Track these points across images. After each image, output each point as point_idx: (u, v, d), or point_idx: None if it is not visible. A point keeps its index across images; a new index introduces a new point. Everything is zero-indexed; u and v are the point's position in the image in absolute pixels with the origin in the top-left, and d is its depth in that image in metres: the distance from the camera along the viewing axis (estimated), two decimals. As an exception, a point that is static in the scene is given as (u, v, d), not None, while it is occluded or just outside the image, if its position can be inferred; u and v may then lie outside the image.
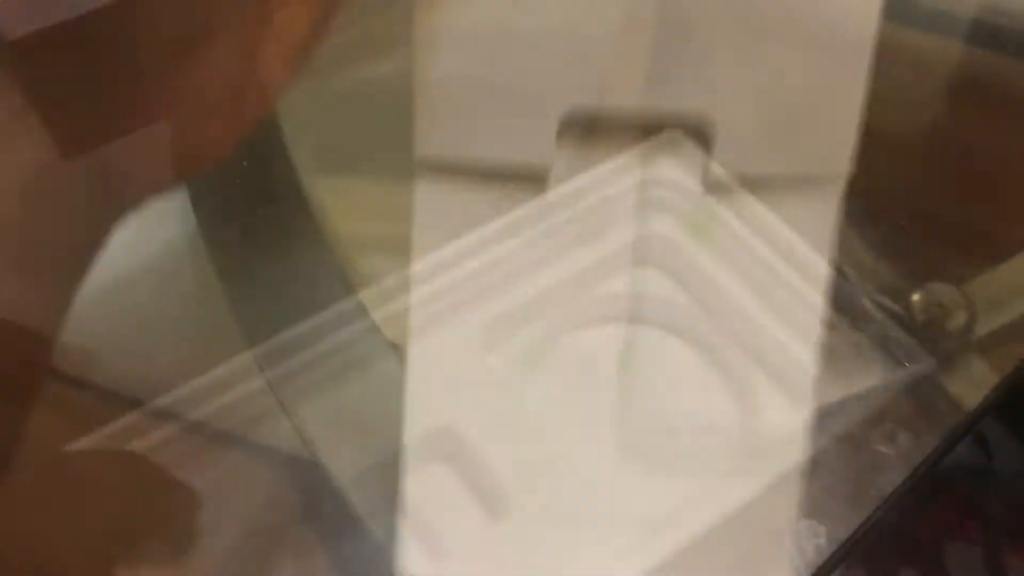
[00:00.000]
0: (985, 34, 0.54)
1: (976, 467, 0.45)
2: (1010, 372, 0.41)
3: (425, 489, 0.36)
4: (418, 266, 0.41)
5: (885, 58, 0.52)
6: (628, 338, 0.41)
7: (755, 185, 0.44)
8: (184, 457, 0.40)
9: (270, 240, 0.44)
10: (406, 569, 0.35)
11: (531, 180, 0.45)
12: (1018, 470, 0.46)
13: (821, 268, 0.42)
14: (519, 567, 0.35)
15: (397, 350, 0.41)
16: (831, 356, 0.41)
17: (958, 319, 0.43)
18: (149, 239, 0.45)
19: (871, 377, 0.41)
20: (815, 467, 0.38)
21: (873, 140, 0.48)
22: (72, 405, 0.41)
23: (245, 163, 0.46)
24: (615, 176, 0.44)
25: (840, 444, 0.39)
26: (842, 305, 0.43)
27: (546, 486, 0.36)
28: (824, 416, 0.40)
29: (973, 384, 0.41)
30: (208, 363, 0.42)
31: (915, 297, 0.43)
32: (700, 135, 0.45)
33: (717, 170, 0.45)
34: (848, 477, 0.38)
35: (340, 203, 0.46)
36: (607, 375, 0.39)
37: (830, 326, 0.43)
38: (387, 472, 0.38)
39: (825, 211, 0.44)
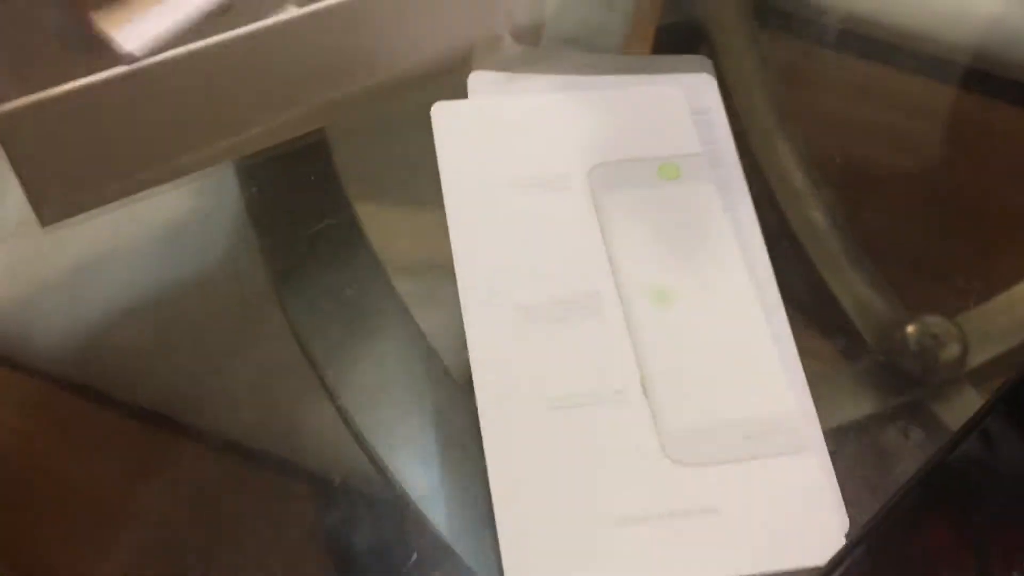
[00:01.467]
0: (976, 79, 0.55)
1: (981, 460, 0.45)
2: (1015, 374, 0.41)
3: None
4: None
5: (879, 100, 0.53)
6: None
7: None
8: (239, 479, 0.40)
9: (324, 254, 0.45)
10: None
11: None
12: (1020, 464, 0.47)
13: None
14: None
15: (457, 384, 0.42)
16: (826, 386, 0.41)
17: (951, 351, 0.42)
18: (205, 250, 0.46)
19: (866, 407, 0.41)
20: (834, 457, 0.38)
21: (868, 177, 0.49)
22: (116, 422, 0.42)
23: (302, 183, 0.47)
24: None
25: (857, 436, 0.40)
26: (837, 337, 0.43)
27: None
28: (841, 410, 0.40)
29: (966, 414, 0.40)
30: (265, 379, 0.42)
31: (909, 329, 0.43)
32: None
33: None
34: (866, 466, 0.39)
35: (385, 225, 0.47)
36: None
37: (826, 357, 0.43)
38: (458, 491, 0.39)
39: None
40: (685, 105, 0.47)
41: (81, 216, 0.44)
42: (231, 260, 0.45)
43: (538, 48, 0.50)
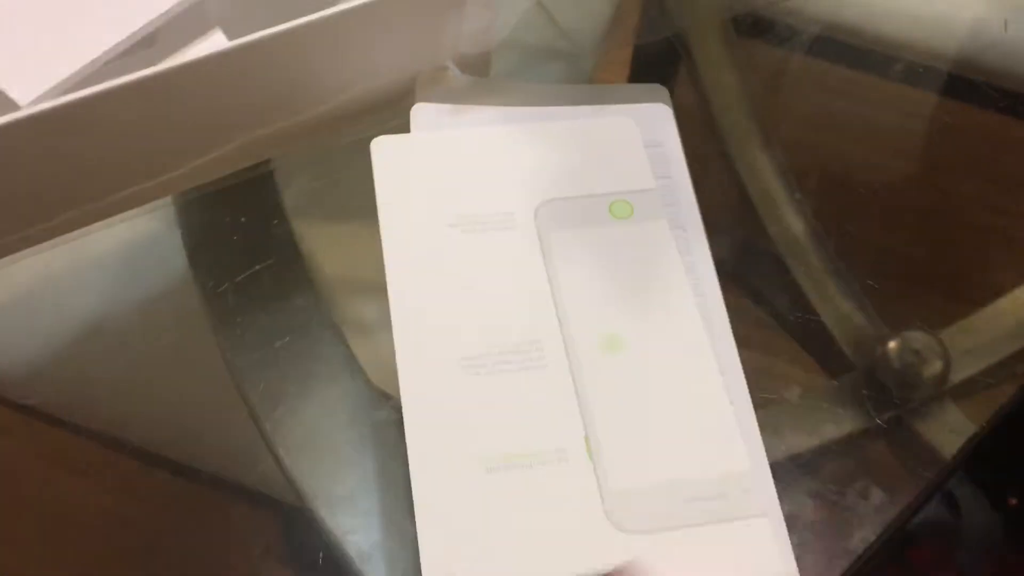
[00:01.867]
0: (962, 89, 0.54)
1: (945, 524, 0.45)
2: (976, 431, 0.40)
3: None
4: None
5: (860, 110, 0.53)
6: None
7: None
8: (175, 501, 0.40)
9: (264, 292, 0.44)
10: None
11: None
12: (986, 526, 0.46)
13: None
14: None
15: (389, 400, 0.41)
16: (808, 403, 0.41)
17: (934, 366, 0.42)
18: (141, 284, 0.45)
19: (847, 425, 0.40)
20: (792, 522, 0.37)
21: (849, 191, 0.49)
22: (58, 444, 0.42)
23: (243, 219, 0.46)
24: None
25: (816, 500, 0.38)
26: (819, 353, 0.43)
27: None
28: (800, 470, 0.39)
29: (948, 431, 0.40)
30: (199, 408, 0.43)
31: (891, 345, 0.43)
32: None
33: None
34: (824, 532, 0.38)
35: (330, 250, 0.46)
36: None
37: (807, 372, 0.43)
38: (379, 523, 0.39)
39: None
40: (638, 137, 0.45)
41: (8, 258, 0.43)
42: (169, 298, 0.45)
43: (486, 79, 0.49)
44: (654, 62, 0.55)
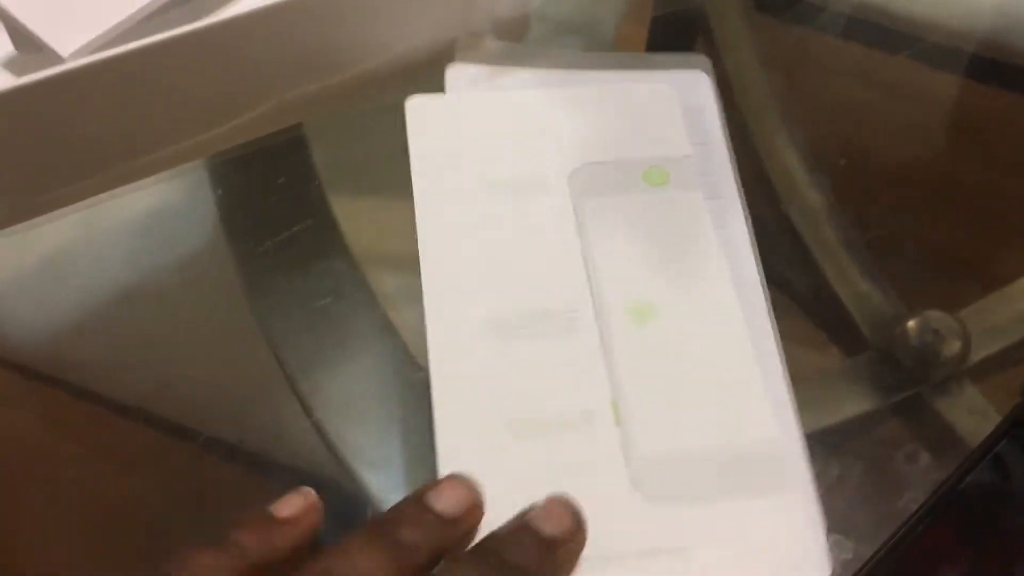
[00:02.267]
0: (986, 70, 0.54)
1: (993, 487, 0.45)
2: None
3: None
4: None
5: (881, 90, 0.53)
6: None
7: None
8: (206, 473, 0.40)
9: (300, 255, 0.44)
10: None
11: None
12: None
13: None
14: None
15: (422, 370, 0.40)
16: (825, 382, 0.41)
17: (952, 346, 0.42)
18: (173, 248, 0.45)
19: (865, 403, 0.40)
20: (841, 484, 0.37)
21: (870, 170, 0.48)
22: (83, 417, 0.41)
23: (279, 181, 0.46)
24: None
25: (865, 463, 0.38)
26: (837, 332, 0.43)
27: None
28: (849, 434, 0.39)
29: (967, 411, 0.40)
30: (232, 371, 0.42)
31: (910, 324, 0.42)
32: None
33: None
34: (873, 495, 0.37)
35: (365, 214, 0.46)
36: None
37: (825, 352, 0.42)
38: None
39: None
40: (677, 104, 0.45)
41: (44, 217, 0.43)
42: (201, 262, 0.45)
43: (523, 45, 0.48)
44: (671, 35, 0.54)
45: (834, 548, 0.35)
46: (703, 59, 0.47)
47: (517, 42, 0.49)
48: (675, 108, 0.45)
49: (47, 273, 0.44)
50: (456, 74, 0.45)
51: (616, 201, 0.42)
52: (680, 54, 0.48)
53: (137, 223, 0.45)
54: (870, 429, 0.40)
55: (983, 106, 0.53)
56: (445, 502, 0.32)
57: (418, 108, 0.43)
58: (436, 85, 0.45)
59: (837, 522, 0.36)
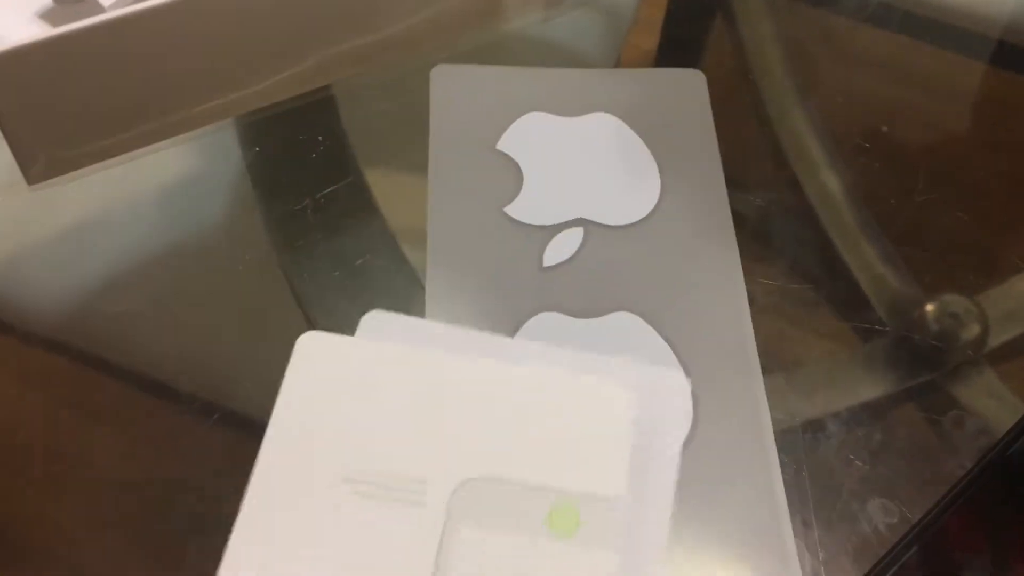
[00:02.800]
0: (1008, 56, 0.54)
1: None
2: None
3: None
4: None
5: (901, 73, 0.53)
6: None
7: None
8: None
9: (333, 216, 0.43)
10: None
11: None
12: None
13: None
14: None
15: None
16: (841, 365, 0.40)
17: (971, 330, 0.41)
18: (204, 213, 0.44)
19: (883, 387, 0.40)
20: (885, 448, 0.37)
21: (889, 155, 0.48)
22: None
23: (312, 140, 0.45)
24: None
25: (910, 428, 0.38)
26: (854, 316, 0.42)
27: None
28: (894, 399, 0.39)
29: (987, 396, 0.40)
30: (265, 339, 0.41)
31: (928, 308, 0.42)
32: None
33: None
34: (919, 459, 0.37)
35: (394, 183, 0.46)
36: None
37: (842, 336, 0.42)
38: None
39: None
40: (627, 419, 0.35)
41: (72, 174, 0.43)
42: (232, 224, 0.44)
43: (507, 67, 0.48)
44: (690, 16, 0.55)
45: (880, 512, 0.35)
46: (698, 75, 0.48)
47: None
48: (624, 426, 0.35)
49: (79, 233, 0.43)
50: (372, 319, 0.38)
51: (497, 543, 0.33)
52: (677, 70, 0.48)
53: (162, 185, 0.44)
54: (913, 398, 0.40)
55: (1005, 92, 0.53)
56: None
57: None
58: (467, 47, 0.46)
59: (882, 487, 0.36)
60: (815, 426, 0.37)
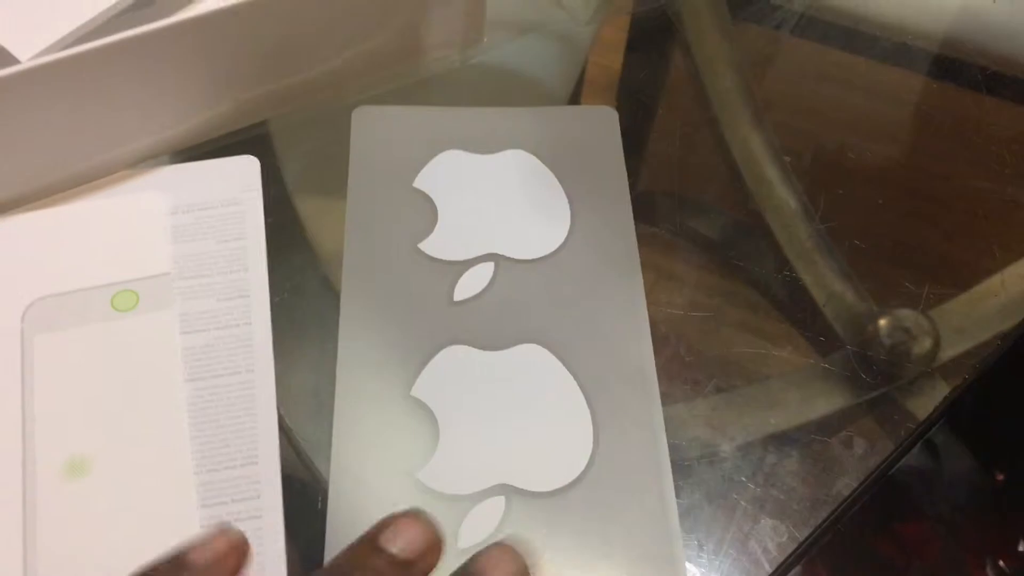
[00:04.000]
0: (951, 69, 0.54)
1: (925, 471, 0.45)
2: (957, 385, 0.40)
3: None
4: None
5: (851, 89, 0.53)
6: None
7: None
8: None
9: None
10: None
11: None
12: (963, 473, 0.47)
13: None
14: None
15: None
16: (798, 379, 0.41)
17: (923, 344, 0.42)
18: None
19: (837, 401, 0.40)
20: (776, 471, 0.37)
21: (839, 168, 0.49)
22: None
23: None
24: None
25: (799, 450, 0.38)
26: (810, 330, 0.42)
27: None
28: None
29: (937, 408, 0.40)
30: None
31: (881, 322, 0.42)
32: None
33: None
34: (808, 481, 0.38)
35: (327, 219, 0.46)
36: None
37: (797, 350, 0.42)
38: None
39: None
40: (161, 215, 0.42)
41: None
42: None
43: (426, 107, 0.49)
44: (649, 32, 0.55)
45: (771, 532, 0.36)
46: (610, 112, 0.49)
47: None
48: (159, 220, 0.42)
49: None
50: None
51: (76, 335, 0.38)
52: (589, 108, 0.50)
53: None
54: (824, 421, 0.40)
55: (953, 107, 0.53)
56: (400, 544, 0.30)
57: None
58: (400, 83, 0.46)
59: (773, 508, 0.37)
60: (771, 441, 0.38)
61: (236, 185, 0.43)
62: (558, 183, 0.46)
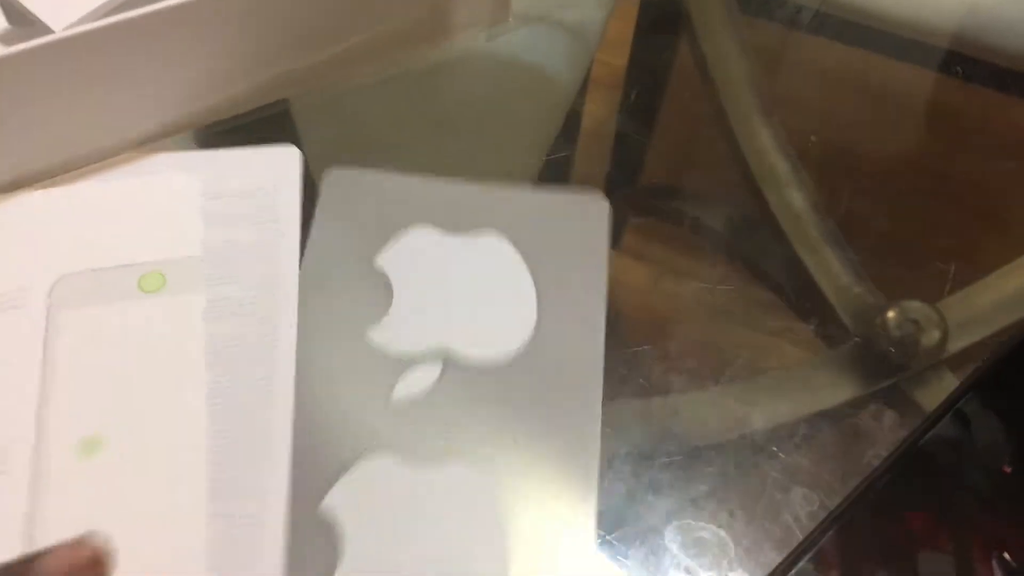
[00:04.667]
0: (959, 66, 0.55)
1: (956, 440, 0.45)
2: (988, 356, 0.41)
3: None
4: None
5: (860, 85, 0.54)
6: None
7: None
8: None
9: None
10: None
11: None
12: (993, 440, 0.47)
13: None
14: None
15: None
16: (807, 372, 0.41)
17: (932, 336, 0.42)
18: None
19: (846, 392, 0.41)
20: (808, 441, 0.38)
21: (848, 162, 0.49)
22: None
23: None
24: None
25: (831, 421, 0.39)
26: (819, 322, 0.43)
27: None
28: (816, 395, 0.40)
29: (945, 399, 0.41)
30: None
31: (889, 314, 0.43)
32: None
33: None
34: (839, 451, 0.38)
35: None
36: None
37: (805, 342, 0.43)
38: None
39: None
40: (195, 197, 0.42)
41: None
42: None
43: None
44: (658, 32, 0.56)
45: (802, 501, 0.36)
46: (601, 201, 0.45)
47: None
48: (192, 203, 0.41)
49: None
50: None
51: (97, 313, 0.38)
52: (579, 195, 0.45)
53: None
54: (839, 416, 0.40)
55: (960, 102, 0.54)
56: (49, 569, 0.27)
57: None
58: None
59: (805, 478, 0.37)
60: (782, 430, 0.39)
61: (274, 175, 0.42)
62: (530, 278, 0.42)
